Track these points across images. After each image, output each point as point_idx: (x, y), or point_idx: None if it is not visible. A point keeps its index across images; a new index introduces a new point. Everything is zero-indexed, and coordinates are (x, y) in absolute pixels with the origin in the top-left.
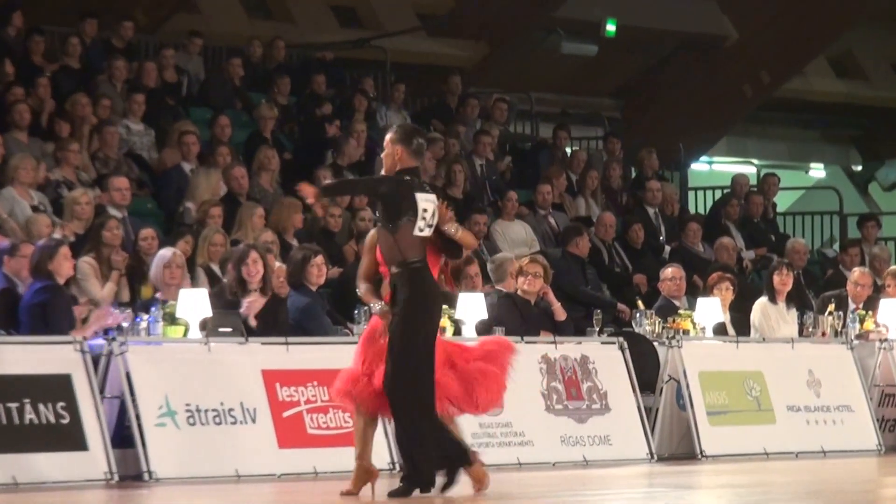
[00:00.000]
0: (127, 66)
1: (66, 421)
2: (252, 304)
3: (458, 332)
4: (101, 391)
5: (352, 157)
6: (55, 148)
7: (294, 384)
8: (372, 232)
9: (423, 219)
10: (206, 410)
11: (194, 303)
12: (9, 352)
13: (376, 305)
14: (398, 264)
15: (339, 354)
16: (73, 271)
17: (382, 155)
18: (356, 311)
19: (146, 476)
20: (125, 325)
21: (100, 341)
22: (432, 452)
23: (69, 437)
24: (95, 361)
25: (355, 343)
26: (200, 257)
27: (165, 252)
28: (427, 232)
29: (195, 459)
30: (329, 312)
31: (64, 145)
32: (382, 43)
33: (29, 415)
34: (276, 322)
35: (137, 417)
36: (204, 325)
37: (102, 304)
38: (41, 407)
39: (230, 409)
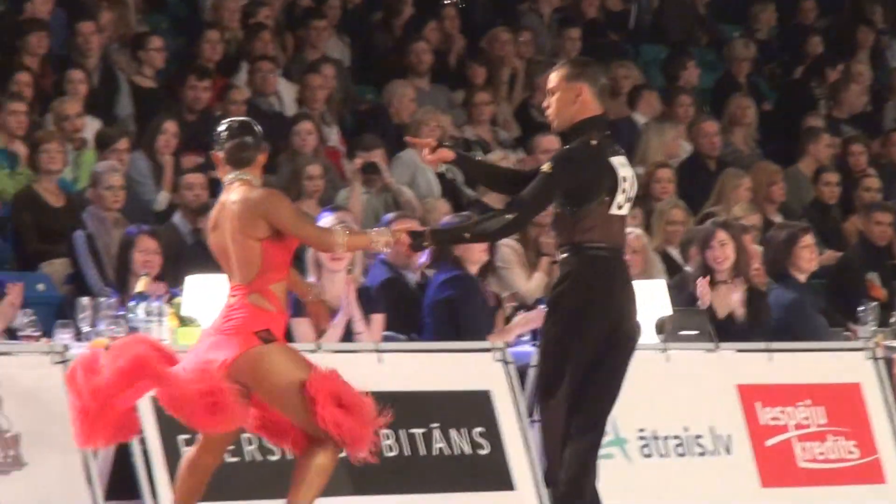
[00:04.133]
0: None
1: (485, 451)
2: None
3: None
4: (530, 414)
5: (853, 107)
6: (465, 98)
7: (780, 404)
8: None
9: (623, 192)
10: (666, 438)
11: (644, 297)
12: (409, 363)
13: None
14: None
15: (833, 364)
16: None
17: (550, 103)
18: (861, 309)
19: None
20: None
21: (527, 348)
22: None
23: (490, 472)
24: (522, 374)
25: (843, 350)
26: (655, 238)
27: None
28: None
29: (650, 500)
30: (824, 310)
31: (477, 96)
32: None
33: (438, 444)
34: (755, 323)
35: None
36: (661, 327)
37: (529, 300)
38: (453, 434)
39: (697, 437)
